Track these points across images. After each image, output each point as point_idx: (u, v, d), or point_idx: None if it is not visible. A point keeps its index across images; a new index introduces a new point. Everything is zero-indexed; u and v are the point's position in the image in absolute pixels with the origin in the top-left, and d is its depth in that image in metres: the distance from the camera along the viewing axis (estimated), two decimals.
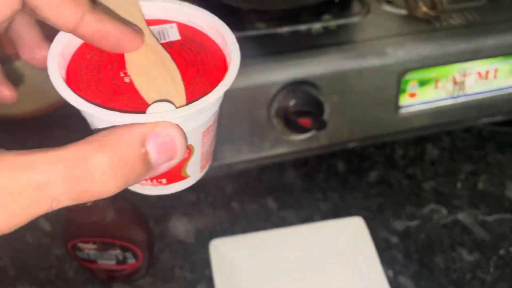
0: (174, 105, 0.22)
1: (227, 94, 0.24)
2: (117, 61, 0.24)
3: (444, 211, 0.61)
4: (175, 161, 0.18)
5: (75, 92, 0.22)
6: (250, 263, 0.55)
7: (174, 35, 0.26)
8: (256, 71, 0.51)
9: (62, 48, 0.24)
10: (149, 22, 0.26)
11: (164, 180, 0.26)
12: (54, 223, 0.57)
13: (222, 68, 0.25)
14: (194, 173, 0.28)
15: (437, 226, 0.60)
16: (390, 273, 0.55)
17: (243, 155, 0.54)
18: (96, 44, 0.22)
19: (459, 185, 0.64)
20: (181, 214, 0.59)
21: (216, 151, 0.34)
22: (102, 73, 0.24)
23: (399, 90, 0.56)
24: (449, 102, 0.60)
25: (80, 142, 0.16)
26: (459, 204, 0.61)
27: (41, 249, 0.55)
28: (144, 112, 0.21)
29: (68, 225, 0.45)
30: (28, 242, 0.55)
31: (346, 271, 0.55)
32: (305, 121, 0.50)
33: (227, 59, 0.25)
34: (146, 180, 0.21)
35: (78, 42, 0.24)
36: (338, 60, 0.53)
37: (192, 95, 0.23)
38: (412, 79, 0.56)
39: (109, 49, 0.22)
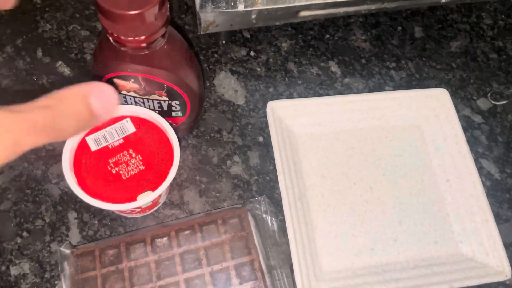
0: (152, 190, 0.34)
1: None
2: (101, 158, 0.35)
3: None
4: (112, 110, 0.23)
5: (85, 191, 0.34)
6: (311, 131, 0.46)
7: (131, 127, 0.37)
8: None
9: (69, 157, 0.35)
10: (111, 121, 0.36)
11: (147, 210, 0.40)
12: (73, 67, 0.47)
13: (168, 147, 0.36)
14: (163, 199, 0.42)
15: None
16: (472, 155, 0.47)
17: None
18: None
19: None
20: (229, 71, 0.49)
21: None
22: (97, 171, 0.35)
23: None
24: None
25: (42, 99, 0.20)
26: None
27: None
28: (135, 199, 0.34)
29: (103, 50, 0.34)
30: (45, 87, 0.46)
31: (423, 149, 0.47)
32: None
33: (170, 141, 0.36)
34: (135, 213, 0.40)
35: (73, 151, 0.35)
36: None
37: (158, 171, 0.35)
38: None
39: None
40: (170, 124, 0.36)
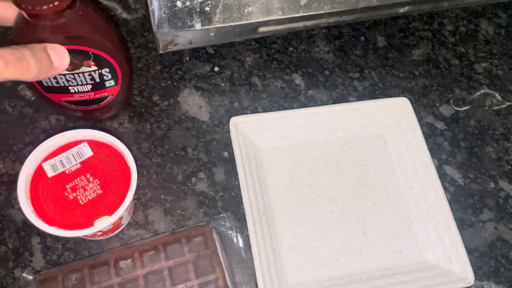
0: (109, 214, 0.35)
1: None
2: (58, 184, 0.36)
3: (498, 96, 0.53)
4: (66, 62, 0.32)
5: (40, 217, 0.34)
6: (275, 145, 0.47)
7: (88, 151, 0.37)
8: None
9: (25, 184, 0.35)
10: (67, 146, 0.37)
11: (110, 233, 0.40)
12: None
13: (126, 171, 0.36)
14: (126, 221, 0.42)
15: (489, 112, 0.52)
16: (435, 162, 0.48)
17: (273, 13, 0.43)
18: None
19: None
20: (193, 88, 0.49)
21: (241, 6, 0.41)
22: (54, 197, 0.35)
23: None
24: None
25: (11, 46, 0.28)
26: None
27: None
28: (92, 225, 0.34)
29: (21, 33, 0.33)
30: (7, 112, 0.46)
31: (386, 158, 0.47)
32: None
33: (128, 164, 0.37)
34: (97, 236, 0.39)
35: (29, 177, 0.35)
36: None
37: (116, 195, 0.36)
38: None
39: None
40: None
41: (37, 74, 0.29)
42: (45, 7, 0.31)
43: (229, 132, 0.47)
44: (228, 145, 0.47)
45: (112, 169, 0.36)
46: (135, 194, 0.43)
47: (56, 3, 0.31)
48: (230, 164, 0.46)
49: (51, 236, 0.41)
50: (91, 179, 0.36)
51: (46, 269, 0.39)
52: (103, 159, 0.37)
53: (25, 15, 0.32)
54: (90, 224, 0.34)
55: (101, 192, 0.35)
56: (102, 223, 0.34)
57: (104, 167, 0.36)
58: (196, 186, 0.44)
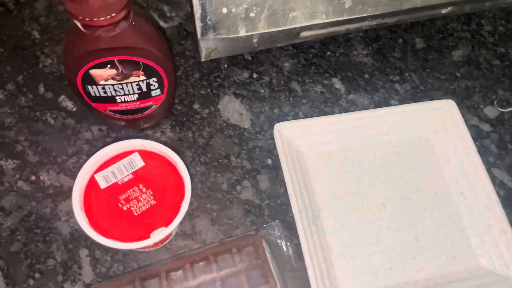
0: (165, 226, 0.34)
1: None
2: (111, 195, 0.35)
3: None
4: None
5: (95, 229, 0.33)
6: (319, 150, 0.46)
7: (139, 162, 0.36)
8: None
9: (79, 196, 0.34)
10: (118, 157, 0.36)
11: (160, 244, 0.40)
12: (77, 101, 0.47)
13: (178, 180, 0.35)
14: (174, 232, 0.41)
15: None
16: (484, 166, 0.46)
17: (318, 17, 0.42)
18: None
19: None
20: (232, 95, 0.49)
21: (285, 11, 0.41)
22: (108, 209, 0.34)
23: None
24: None
25: None
26: None
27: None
28: (149, 237, 0.33)
29: (74, 44, 0.34)
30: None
31: (434, 162, 0.46)
32: None
33: (180, 173, 0.36)
34: (147, 247, 0.38)
35: (83, 189, 0.35)
36: None
37: (170, 205, 0.35)
38: None
39: None
40: (178, 155, 0.36)
41: None
42: (102, 18, 0.31)
43: (271, 139, 0.46)
44: (271, 152, 0.46)
45: (164, 179, 0.36)
46: None
47: (113, 15, 0.31)
48: (274, 171, 0.45)
49: (99, 248, 0.40)
50: (144, 189, 0.35)
51: (96, 282, 0.38)
52: (155, 169, 0.36)
53: (80, 26, 0.32)
54: (146, 236, 0.33)
55: (154, 202, 0.35)
56: (159, 235, 0.33)
57: (156, 177, 0.36)
58: (241, 195, 0.44)
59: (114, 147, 0.36)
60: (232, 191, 0.44)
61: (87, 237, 0.40)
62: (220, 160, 0.45)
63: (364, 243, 0.42)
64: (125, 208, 0.34)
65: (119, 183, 0.35)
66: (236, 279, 0.38)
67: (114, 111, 0.41)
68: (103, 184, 0.35)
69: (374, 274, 0.41)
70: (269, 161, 0.45)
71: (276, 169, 0.45)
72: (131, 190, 0.35)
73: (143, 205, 0.35)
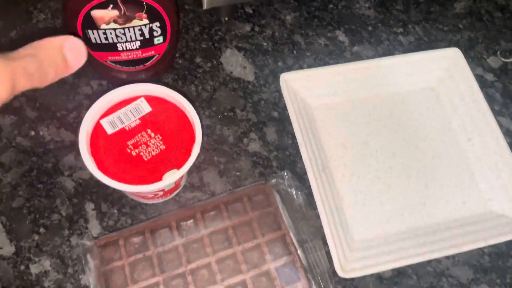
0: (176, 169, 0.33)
1: None
2: (119, 140, 0.34)
3: None
4: (81, 61, 0.25)
5: (111, 177, 0.32)
6: (326, 102, 0.45)
7: (146, 107, 0.35)
8: None
9: (86, 142, 0.32)
10: (124, 102, 0.35)
11: (168, 194, 0.38)
12: None
13: (187, 124, 0.35)
14: (183, 182, 0.40)
15: None
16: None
17: None
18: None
19: None
20: (235, 48, 0.47)
21: None
22: (116, 154, 0.33)
23: None
24: None
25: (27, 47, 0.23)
26: None
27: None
28: (161, 179, 0.32)
29: None
30: None
31: (441, 111, 0.46)
32: None
33: (189, 117, 0.35)
34: (157, 197, 0.37)
35: (89, 135, 0.33)
36: None
37: (180, 150, 0.34)
38: None
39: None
40: (185, 96, 0.35)
41: (48, 81, 0.24)
42: None
43: (276, 91, 0.45)
44: (277, 105, 0.45)
45: (173, 124, 0.34)
46: None
47: None
48: (281, 123, 0.44)
49: (106, 201, 0.39)
50: (152, 134, 0.34)
51: (103, 235, 0.37)
52: (163, 113, 0.35)
53: None
54: (158, 179, 0.32)
55: (164, 147, 0.34)
56: (172, 177, 0.32)
57: (164, 122, 0.34)
58: (248, 147, 0.43)
59: (120, 91, 0.34)
60: (239, 143, 0.43)
61: (92, 191, 0.39)
62: (226, 114, 0.44)
63: (374, 191, 0.41)
64: (134, 154, 0.33)
65: (127, 128, 0.34)
66: (248, 227, 0.37)
67: (115, 62, 0.40)
68: (109, 130, 0.34)
69: (385, 221, 0.40)
70: (275, 114, 0.45)
71: (282, 121, 0.44)
72: (139, 135, 0.34)
73: (153, 150, 0.33)
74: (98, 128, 0.34)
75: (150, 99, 0.35)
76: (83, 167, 0.40)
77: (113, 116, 0.34)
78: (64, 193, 0.39)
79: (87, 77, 0.44)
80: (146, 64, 0.41)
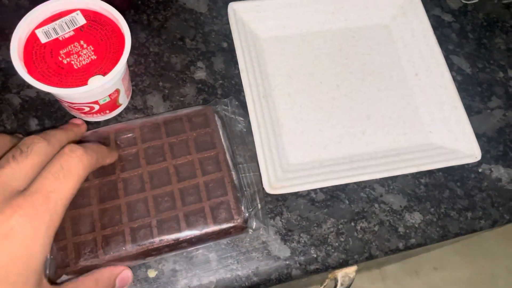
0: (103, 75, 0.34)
1: None
2: (52, 49, 0.35)
3: None
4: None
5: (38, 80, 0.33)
6: (276, 34, 0.45)
7: (81, 19, 0.36)
8: None
9: (17, 48, 0.34)
10: (60, 15, 0.36)
11: (107, 111, 0.39)
12: None
13: (120, 37, 0.36)
14: (124, 102, 0.40)
15: (498, 6, 0.50)
16: (442, 52, 0.46)
17: None
18: None
19: None
20: None
21: None
22: (48, 62, 0.34)
23: None
24: None
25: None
26: None
27: None
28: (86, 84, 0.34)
29: None
30: None
31: (391, 47, 0.46)
32: None
33: (121, 29, 0.36)
34: (94, 113, 0.39)
35: (22, 42, 0.35)
36: None
37: (110, 60, 0.35)
38: None
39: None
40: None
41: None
42: None
43: (228, 23, 0.46)
44: (227, 36, 0.45)
45: (106, 37, 0.35)
46: (132, 80, 0.43)
47: None
48: (229, 54, 0.45)
49: (49, 117, 0.40)
50: (85, 45, 0.35)
51: None
52: (97, 27, 0.36)
53: None
54: (85, 84, 0.33)
55: (95, 57, 0.35)
56: (96, 82, 0.33)
57: (98, 34, 0.35)
58: (195, 75, 0.43)
59: (55, 3, 0.35)
60: (186, 71, 0.44)
61: (37, 108, 0.40)
62: (175, 42, 0.45)
63: (315, 119, 0.42)
64: (65, 62, 0.34)
65: (60, 38, 0.35)
66: (184, 144, 0.38)
67: None
68: (44, 39, 0.35)
69: (323, 147, 0.41)
70: (225, 45, 0.45)
71: (231, 52, 0.45)
72: (72, 45, 0.35)
73: (84, 59, 0.34)
74: (32, 37, 0.35)
75: (86, 13, 0.36)
76: (30, 86, 0.41)
77: (48, 27, 0.35)
78: (11, 108, 0.40)
79: (42, 1, 0.45)
80: None
